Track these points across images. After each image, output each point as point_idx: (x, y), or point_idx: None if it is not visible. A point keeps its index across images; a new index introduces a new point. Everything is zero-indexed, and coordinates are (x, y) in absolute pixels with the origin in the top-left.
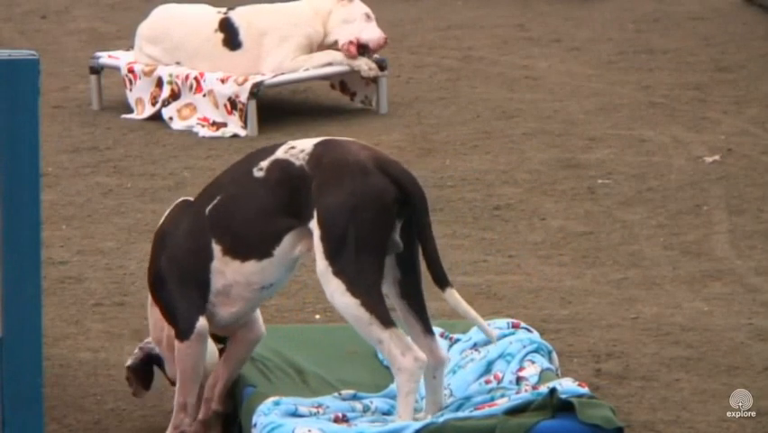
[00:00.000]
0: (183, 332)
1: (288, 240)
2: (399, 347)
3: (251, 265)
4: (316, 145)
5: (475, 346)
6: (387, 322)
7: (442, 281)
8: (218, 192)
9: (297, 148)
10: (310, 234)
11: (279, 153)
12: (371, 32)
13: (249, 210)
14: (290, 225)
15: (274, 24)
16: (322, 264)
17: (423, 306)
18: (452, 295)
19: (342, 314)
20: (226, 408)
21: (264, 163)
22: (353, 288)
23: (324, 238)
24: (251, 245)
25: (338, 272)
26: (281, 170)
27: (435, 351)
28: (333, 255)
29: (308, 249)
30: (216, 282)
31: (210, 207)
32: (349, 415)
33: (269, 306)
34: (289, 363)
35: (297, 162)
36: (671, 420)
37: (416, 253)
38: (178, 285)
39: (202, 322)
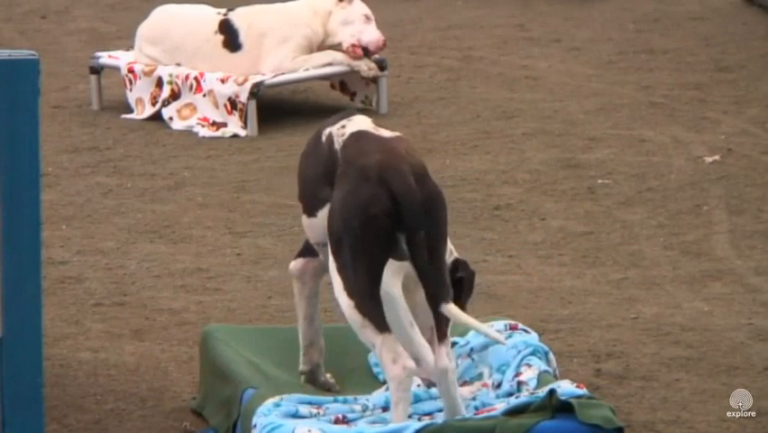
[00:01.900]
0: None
1: (328, 208)
2: (391, 354)
3: (305, 220)
4: (352, 135)
5: (471, 352)
6: (381, 327)
7: (434, 299)
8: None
9: (346, 129)
10: None
11: (335, 128)
12: (370, 35)
13: (307, 169)
14: (330, 196)
15: (274, 25)
16: (330, 258)
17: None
18: (450, 310)
19: (342, 311)
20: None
21: (326, 131)
22: (349, 288)
23: (329, 233)
24: (303, 201)
25: (339, 270)
26: (329, 146)
27: (438, 360)
28: (335, 252)
29: None
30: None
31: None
32: (349, 416)
33: (269, 306)
34: (289, 364)
35: (336, 145)
36: (671, 420)
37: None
38: None
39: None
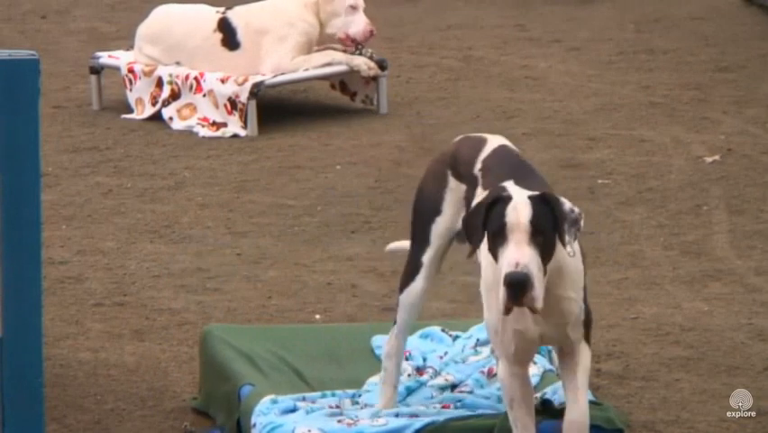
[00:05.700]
0: None
1: None
2: None
3: None
4: None
5: (477, 343)
6: None
7: None
8: None
9: None
10: None
11: None
12: (357, 26)
13: None
14: None
15: (271, 23)
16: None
17: None
18: None
19: None
20: None
21: None
22: None
23: None
24: None
25: None
26: None
27: None
28: None
29: None
30: None
31: None
32: (344, 404)
33: (269, 306)
34: (288, 363)
35: None
36: (671, 420)
37: None
38: None
39: None
